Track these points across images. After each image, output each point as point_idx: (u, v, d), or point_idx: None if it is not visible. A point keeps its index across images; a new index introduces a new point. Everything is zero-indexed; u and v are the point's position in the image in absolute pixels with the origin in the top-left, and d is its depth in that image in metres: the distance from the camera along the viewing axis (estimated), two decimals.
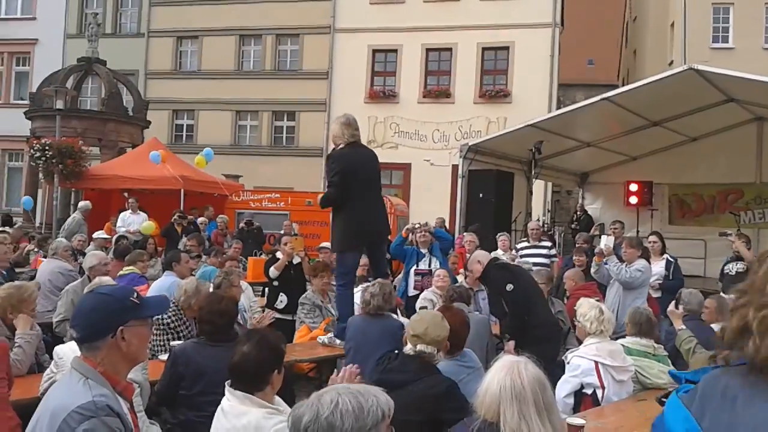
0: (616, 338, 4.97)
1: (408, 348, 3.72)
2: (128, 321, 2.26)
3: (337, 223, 6.01)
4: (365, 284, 6.06)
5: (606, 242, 7.52)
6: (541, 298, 6.04)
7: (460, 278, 7.76)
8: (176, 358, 4.04)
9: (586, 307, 4.68)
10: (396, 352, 3.84)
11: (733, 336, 1.24)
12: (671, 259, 8.66)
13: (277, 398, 3.00)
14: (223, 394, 3.80)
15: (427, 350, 3.65)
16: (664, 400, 1.30)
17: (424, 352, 3.65)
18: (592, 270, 7.68)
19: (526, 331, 5.31)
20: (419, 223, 8.24)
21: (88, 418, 2.03)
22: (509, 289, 5.52)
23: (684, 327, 5.11)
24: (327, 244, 10.06)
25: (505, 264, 5.87)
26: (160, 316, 5.03)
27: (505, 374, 2.36)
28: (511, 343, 5.52)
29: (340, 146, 6.01)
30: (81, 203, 14.33)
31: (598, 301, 5.09)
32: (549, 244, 10.29)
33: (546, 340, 5.37)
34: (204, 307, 4.31)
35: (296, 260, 7.71)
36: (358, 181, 5.86)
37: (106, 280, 5.30)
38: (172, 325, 5.09)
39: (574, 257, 9.04)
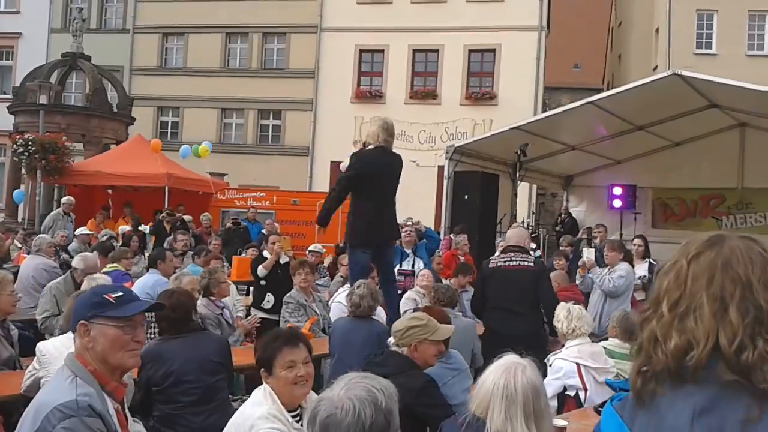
0: (599, 341, 5.01)
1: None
2: (90, 317, 2.21)
3: (350, 220, 5.85)
4: (346, 286, 6.01)
5: (588, 255, 7.63)
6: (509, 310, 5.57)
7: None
8: (142, 359, 3.99)
9: (557, 309, 4.77)
10: (383, 350, 3.93)
11: (648, 345, 1.34)
12: (654, 262, 8.73)
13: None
14: (194, 384, 3.83)
15: (391, 341, 3.74)
16: (601, 409, 1.41)
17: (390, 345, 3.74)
18: (577, 281, 7.75)
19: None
20: (410, 219, 8.08)
21: (69, 417, 2.04)
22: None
23: None
24: (316, 247, 10.03)
25: (488, 270, 5.84)
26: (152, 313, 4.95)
27: (501, 373, 2.38)
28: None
29: (370, 146, 5.79)
30: (63, 198, 14.24)
31: (577, 303, 5.12)
32: (533, 246, 10.33)
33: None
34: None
35: (284, 260, 7.70)
36: (374, 183, 5.71)
37: (101, 277, 5.15)
38: None
39: (554, 261, 9.09)
